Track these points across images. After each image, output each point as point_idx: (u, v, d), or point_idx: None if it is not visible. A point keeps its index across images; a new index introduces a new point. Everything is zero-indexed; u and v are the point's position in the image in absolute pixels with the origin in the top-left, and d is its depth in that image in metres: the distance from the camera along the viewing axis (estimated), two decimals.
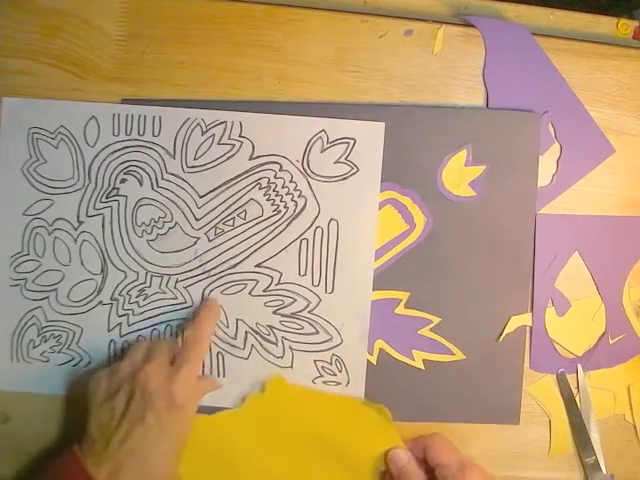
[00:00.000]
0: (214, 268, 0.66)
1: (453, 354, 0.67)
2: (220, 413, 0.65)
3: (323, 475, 0.65)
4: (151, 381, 0.57)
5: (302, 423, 0.65)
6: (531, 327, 0.67)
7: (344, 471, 0.64)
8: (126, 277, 0.66)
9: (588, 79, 0.68)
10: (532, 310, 0.67)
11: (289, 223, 0.66)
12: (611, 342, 0.68)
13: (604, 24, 0.69)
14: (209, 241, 0.66)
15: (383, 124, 0.66)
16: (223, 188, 0.66)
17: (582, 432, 0.67)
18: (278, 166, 0.66)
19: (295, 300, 0.66)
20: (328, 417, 0.65)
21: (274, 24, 0.67)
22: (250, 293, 0.66)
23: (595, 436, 0.67)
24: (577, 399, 0.68)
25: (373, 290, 0.66)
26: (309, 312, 0.66)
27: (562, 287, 0.67)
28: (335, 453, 0.64)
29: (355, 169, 0.66)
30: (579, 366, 0.68)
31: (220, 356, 0.66)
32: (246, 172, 0.66)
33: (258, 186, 0.66)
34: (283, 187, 0.66)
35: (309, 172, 0.66)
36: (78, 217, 0.66)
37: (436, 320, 0.67)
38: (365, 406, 0.65)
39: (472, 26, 0.67)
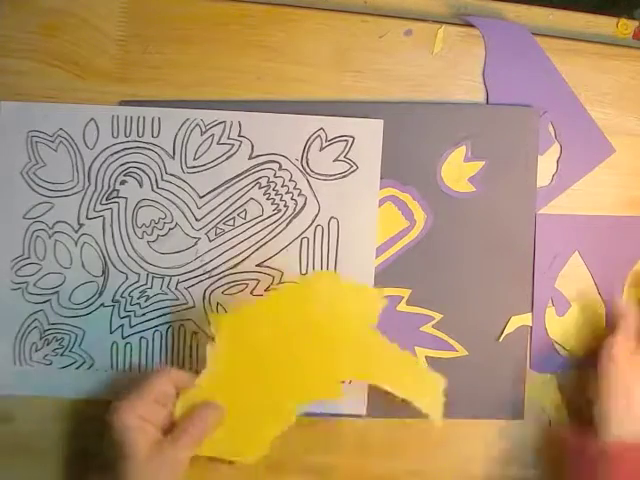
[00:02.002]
0: (215, 268, 0.66)
1: (456, 350, 0.67)
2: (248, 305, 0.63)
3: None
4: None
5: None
6: (531, 327, 0.67)
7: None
8: (127, 279, 0.66)
9: (588, 79, 0.68)
10: (532, 310, 0.67)
11: (289, 222, 0.66)
12: None
13: (604, 24, 0.69)
14: (210, 241, 0.66)
15: (382, 121, 0.66)
16: (223, 188, 0.66)
17: None
18: (277, 165, 0.66)
19: None
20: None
21: (274, 24, 0.67)
22: (251, 293, 0.66)
23: None
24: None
25: (375, 287, 0.66)
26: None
27: (562, 287, 0.68)
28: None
29: (354, 167, 0.66)
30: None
31: None
32: (246, 171, 0.66)
33: (258, 185, 0.66)
34: (283, 186, 0.66)
35: (308, 171, 0.66)
36: (78, 220, 0.66)
37: (438, 317, 0.67)
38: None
39: (472, 26, 0.67)
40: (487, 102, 0.68)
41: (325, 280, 0.63)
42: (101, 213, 0.66)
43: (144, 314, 0.66)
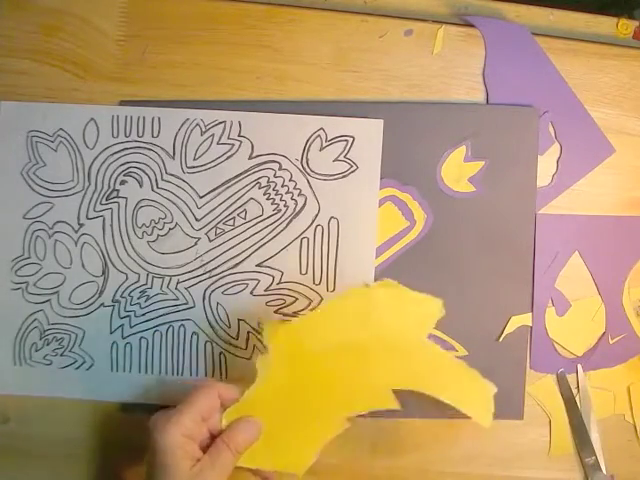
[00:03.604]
0: (215, 268, 0.66)
1: (456, 350, 0.67)
2: (305, 316, 0.63)
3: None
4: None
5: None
6: (531, 327, 0.67)
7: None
8: (127, 279, 0.66)
9: (588, 79, 0.68)
10: (532, 310, 0.67)
11: (289, 222, 0.66)
12: (611, 342, 0.68)
13: (604, 24, 0.69)
14: (210, 241, 0.66)
15: (382, 121, 0.66)
16: (223, 188, 0.66)
17: (582, 432, 0.67)
18: (277, 165, 0.66)
19: (296, 299, 0.66)
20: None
21: (274, 24, 0.67)
22: (252, 293, 0.66)
23: (595, 436, 0.67)
24: (577, 399, 0.68)
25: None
26: (311, 311, 0.66)
27: (562, 287, 0.68)
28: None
29: (354, 167, 0.66)
30: (579, 366, 0.68)
31: (222, 357, 0.66)
32: (246, 171, 0.66)
33: (258, 185, 0.66)
34: (283, 186, 0.66)
35: (308, 170, 0.66)
36: (78, 219, 0.66)
37: None
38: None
39: (472, 26, 0.67)
40: (487, 102, 0.67)
41: (387, 290, 0.62)
42: (101, 213, 0.66)
43: (144, 314, 0.66)
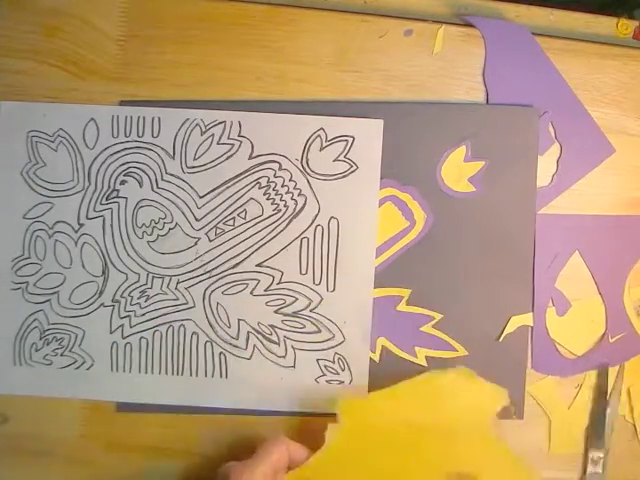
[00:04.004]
0: (215, 268, 0.66)
1: (456, 350, 0.67)
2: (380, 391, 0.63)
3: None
4: None
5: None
6: (531, 327, 0.67)
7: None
8: (127, 279, 0.66)
9: (588, 79, 0.68)
10: (532, 310, 0.67)
11: (289, 222, 0.66)
12: (612, 342, 0.68)
13: (604, 24, 0.69)
14: (210, 241, 0.66)
15: (382, 121, 0.66)
16: (223, 188, 0.66)
17: (599, 426, 0.68)
18: (277, 165, 0.66)
19: (296, 299, 0.66)
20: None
21: (274, 24, 0.66)
22: (251, 293, 0.66)
23: (608, 433, 0.67)
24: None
25: (374, 287, 0.66)
26: (311, 311, 0.66)
27: (562, 287, 0.67)
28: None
29: (354, 167, 0.66)
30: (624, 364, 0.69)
31: (222, 357, 0.66)
32: (246, 171, 0.66)
33: (258, 185, 0.66)
34: (283, 186, 0.66)
35: (308, 170, 0.66)
36: (78, 220, 0.66)
37: (438, 317, 0.67)
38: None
39: (472, 26, 0.67)
40: (487, 102, 0.67)
41: (459, 377, 0.63)
42: (101, 213, 0.66)
43: (144, 314, 0.66)
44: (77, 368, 0.66)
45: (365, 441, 0.62)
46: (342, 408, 0.62)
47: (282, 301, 0.66)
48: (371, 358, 0.67)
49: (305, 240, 0.66)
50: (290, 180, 0.66)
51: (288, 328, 0.66)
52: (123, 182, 0.66)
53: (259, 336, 0.66)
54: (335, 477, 0.61)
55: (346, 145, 0.66)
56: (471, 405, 0.63)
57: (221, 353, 0.66)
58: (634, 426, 0.68)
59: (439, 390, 0.63)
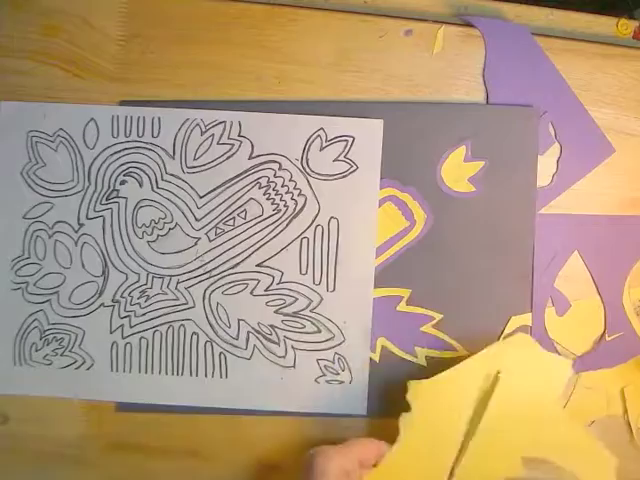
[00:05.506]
0: (215, 268, 0.66)
1: (456, 350, 0.67)
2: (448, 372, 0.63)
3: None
4: None
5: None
6: (531, 327, 0.67)
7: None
8: (127, 279, 0.66)
9: (588, 79, 0.68)
10: (532, 310, 0.67)
11: (289, 222, 0.66)
12: (611, 341, 0.68)
13: (604, 24, 0.69)
14: (210, 241, 0.66)
15: (381, 121, 0.66)
16: (223, 188, 0.66)
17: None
18: (277, 165, 0.66)
19: (296, 299, 0.66)
20: None
21: (274, 24, 0.67)
22: (251, 293, 0.66)
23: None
24: None
25: (374, 287, 0.66)
26: (311, 311, 0.66)
27: (562, 287, 0.67)
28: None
29: (354, 167, 0.66)
30: None
31: (222, 357, 0.66)
32: (246, 171, 0.66)
33: (258, 185, 0.66)
34: (283, 186, 0.66)
35: (308, 170, 0.66)
36: (78, 220, 0.66)
37: (438, 317, 0.67)
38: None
39: (472, 26, 0.67)
40: (487, 102, 0.67)
41: (518, 350, 0.63)
42: (101, 213, 0.66)
43: (144, 314, 0.66)
44: (77, 368, 0.66)
45: (439, 426, 0.61)
46: (412, 392, 0.61)
47: (282, 301, 0.66)
48: (371, 358, 0.67)
49: (305, 240, 0.66)
50: (290, 180, 0.66)
51: (288, 328, 0.66)
52: (123, 182, 0.66)
53: (259, 336, 0.66)
54: (413, 468, 0.61)
55: (346, 145, 0.66)
56: (540, 381, 0.62)
57: (221, 353, 0.66)
58: (631, 427, 0.68)
59: (506, 365, 0.62)
